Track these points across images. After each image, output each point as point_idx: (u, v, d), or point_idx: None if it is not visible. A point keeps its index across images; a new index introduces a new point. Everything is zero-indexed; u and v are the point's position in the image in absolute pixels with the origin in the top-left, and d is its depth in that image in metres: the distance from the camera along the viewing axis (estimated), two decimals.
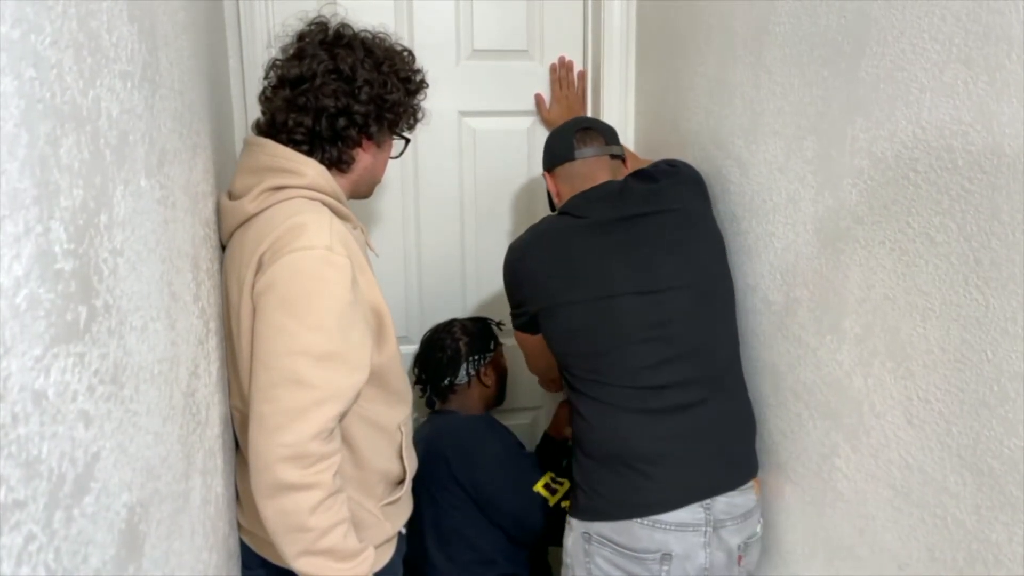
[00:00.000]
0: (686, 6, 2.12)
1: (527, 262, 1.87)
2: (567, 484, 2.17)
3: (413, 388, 2.40)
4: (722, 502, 1.70)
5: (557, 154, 2.02)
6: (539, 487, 2.15)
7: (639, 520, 1.66)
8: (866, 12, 1.41)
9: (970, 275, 1.22)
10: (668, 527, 1.66)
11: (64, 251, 0.68)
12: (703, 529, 1.68)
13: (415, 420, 2.65)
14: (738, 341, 1.84)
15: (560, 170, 2.00)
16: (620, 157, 2.04)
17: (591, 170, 1.96)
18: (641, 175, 1.93)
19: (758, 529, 1.79)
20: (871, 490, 1.48)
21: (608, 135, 2.04)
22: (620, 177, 1.98)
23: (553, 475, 2.19)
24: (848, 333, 1.51)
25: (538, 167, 2.33)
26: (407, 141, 1.77)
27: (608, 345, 1.74)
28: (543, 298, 1.82)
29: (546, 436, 2.50)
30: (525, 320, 1.90)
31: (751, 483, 1.76)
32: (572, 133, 2.02)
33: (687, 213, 1.85)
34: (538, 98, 2.58)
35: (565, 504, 2.12)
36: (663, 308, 1.73)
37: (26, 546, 0.58)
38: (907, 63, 1.32)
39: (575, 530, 1.76)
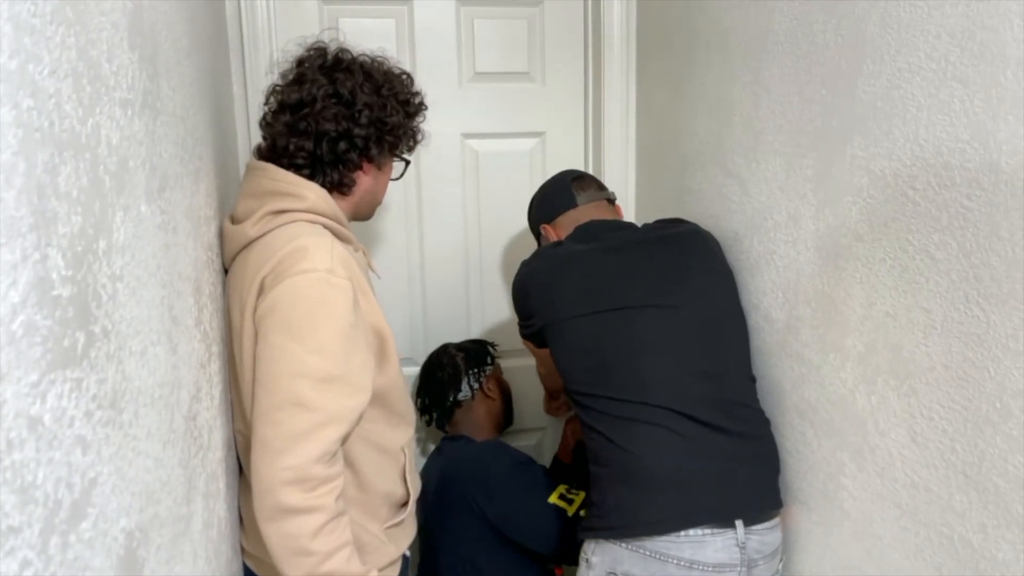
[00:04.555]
0: (685, 27, 2.13)
1: (539, 276, 1.87)
2: (583, 495, 2.15)
3: (419, 418, 2.41)
4: (755, 540, 1.65)
5: (557, 204, 2.08)
6: (554, 499, 2.14)
7: (675, 561, 1.61)
8: (862, 31, 1.41)
9: (971, 292, 1.22)
10: (706, 569, 1.61)
11: (62, 277, 0.68)
12: (739, 569, 1.63)
13: (426, 444, 2.65)
14: (752, 377, 1.81)
15: (563, 219, 2.05)
16: (613, 202, 2.12)
17: (593, 214, 2.02)
18: (654, 222, 2.00)
19: (780, 567, 1.75)
20: (877, 509, 1.47)
21: (599, 182, 2.13)
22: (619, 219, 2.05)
23: (567, 487, 2.18)
24: (851, 351, 1.50)
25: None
26: (407, 163, 1.79)
27: (621, 354, 1.72)
28: (552, 311, 1.82)
29: (556, 460, 2.49)
30: (533, 331, 1.90)
31: (778, 519, 1.72)
32: (568, 182, 2.09)
33: (699, 245, 1.89)
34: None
35: (584, 513, 2.10)
36: (676, 324, 1.73)
37: (21, 572, 0.58)
38: (903, 81, 1.32)
39: (595, 569, 1.70)
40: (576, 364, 1.79)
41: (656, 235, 1.89)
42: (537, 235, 2.17)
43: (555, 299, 1.82)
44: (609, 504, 1.71)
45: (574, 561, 2.04)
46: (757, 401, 1.79)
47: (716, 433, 1.68)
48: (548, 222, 2.09)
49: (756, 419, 1.76)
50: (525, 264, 1.93)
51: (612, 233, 1.90)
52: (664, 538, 1.62)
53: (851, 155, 1.47)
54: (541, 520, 2.11)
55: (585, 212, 2.02)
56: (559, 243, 1.94)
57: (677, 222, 1.98)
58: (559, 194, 2.08)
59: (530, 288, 1.89)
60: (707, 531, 1.61)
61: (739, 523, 1.64)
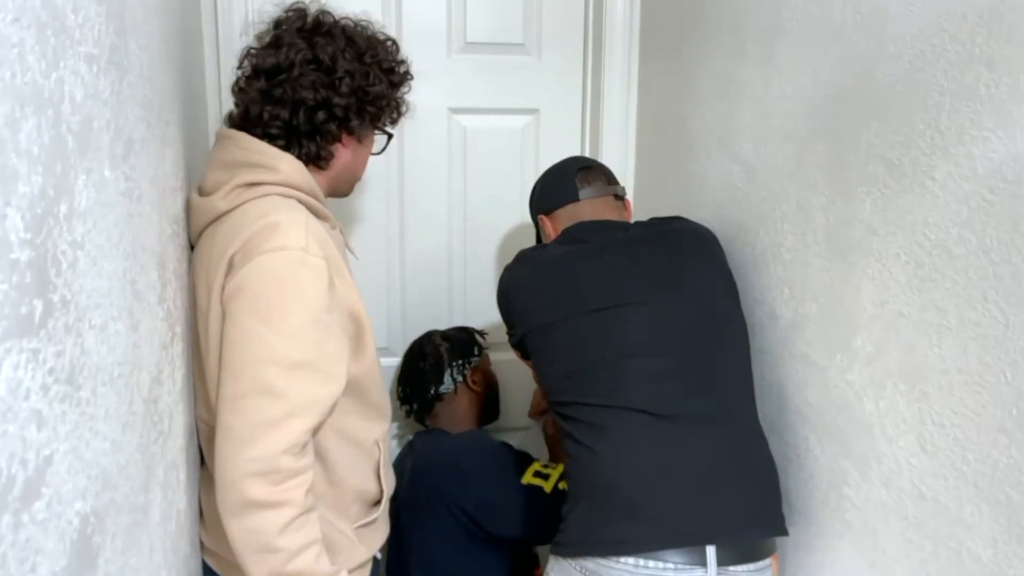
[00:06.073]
0: (694, 1, 2.14)
1: (519, 282, 1.88)
2: (560, 467, 2.16)
3: (399, 408, 2.41)
4: None
5: (557, 195, 2.04)
6: (528, 478, 2.14)
7: None
8: (883, 9, 1.42)
9: (989, 291, 1.23)
10: None
11: (20, 240, 0.69)
12: None
13: (403, 439, 2.66)
14: (750, 383, 1.79)
15: (562, 212, 2.01)
16: (622, 198, 2.07)
17: (596, 211, 1.98)
18: (648, 220, 1.98)
19: None
20: (882, 521, 1.49)
21: (609, 174, 2.08)
22: (624, 218, 2.02)
23: (542, 463, 2.20)
24: (859, 351, 1.52)
25: (532, 167, 2.33)
26: (390, 136, 1.80)
27: (600, 357, 1.71)
28: (532, 319, 1.82)
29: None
30: (517, 341, 1.90)
31: (769, 560, 1.67)
32: (573, 172, 2.04)
33: (693, 242, 1.87)
34: None
35: (563, 486, 2.10)
36: (664, 324, 1.72)
37: None
38: (926, 64, 1.33)
39: None
40: (556, 371, 1.79)
41: (647, 233, 1.88)
42: (537, 224, 2.14)
43: (534, 305, 1.82)
44: (570, 519, 1.71)
45: None
46: (754, 409, 1.78)
47: (699, 438, 1.66)
48: (547, 213, 2.05)
49: (750, 427, 1.75)
50: (507, 269, 1.93)
51: (599, 234, 1.88)
52: (619, 565, 1.58)
53: (867, 142, 1.48)
54: (516, 504, 2.13)
55: (587, 208, 1.98)
56: (543, 246, 1.94)
57: (672, 220, 1.97)
58: (561, 184, 2.04)
59: (510, 295, 1.89)
60: (670, 565, 1.57)
61: (711, 556, 1.58)
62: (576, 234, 1.89)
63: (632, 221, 2.02)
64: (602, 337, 1.73)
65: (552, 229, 2.03)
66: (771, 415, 1.80)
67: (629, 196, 2.49)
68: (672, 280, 1.78)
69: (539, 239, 2.14)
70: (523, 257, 1.93)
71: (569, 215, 1.99)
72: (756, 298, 1.85)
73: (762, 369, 1.83)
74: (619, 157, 2.55)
